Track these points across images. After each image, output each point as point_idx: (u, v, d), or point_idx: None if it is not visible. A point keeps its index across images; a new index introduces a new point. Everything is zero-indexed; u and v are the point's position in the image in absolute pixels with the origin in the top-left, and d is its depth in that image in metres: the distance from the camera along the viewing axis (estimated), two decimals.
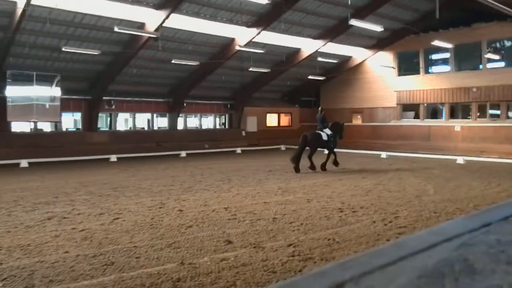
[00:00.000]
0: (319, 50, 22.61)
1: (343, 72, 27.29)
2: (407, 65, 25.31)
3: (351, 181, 11.43)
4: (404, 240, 0.58)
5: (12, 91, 17.91)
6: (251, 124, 26.77)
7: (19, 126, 19.71)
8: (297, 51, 22.98)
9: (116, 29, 14.95)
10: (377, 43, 24.99)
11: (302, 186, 10.59)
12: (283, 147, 24.20)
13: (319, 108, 15.81)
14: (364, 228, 6.35)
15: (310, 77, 25.76)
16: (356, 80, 27.31)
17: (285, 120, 29.17)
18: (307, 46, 22.41)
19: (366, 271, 0.47)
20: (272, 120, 28.44)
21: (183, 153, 20.25)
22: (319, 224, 6.61)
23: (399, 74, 25.54)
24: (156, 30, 16.43)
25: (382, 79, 25.93)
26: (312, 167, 13.63)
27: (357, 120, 27.86)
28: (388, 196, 9.04)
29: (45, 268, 4.64)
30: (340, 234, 6.03)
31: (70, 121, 22.35)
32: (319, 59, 23.56)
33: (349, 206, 7.97)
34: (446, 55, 23.50)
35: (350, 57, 26.32)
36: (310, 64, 24.36)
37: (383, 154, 19.16)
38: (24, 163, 15.96)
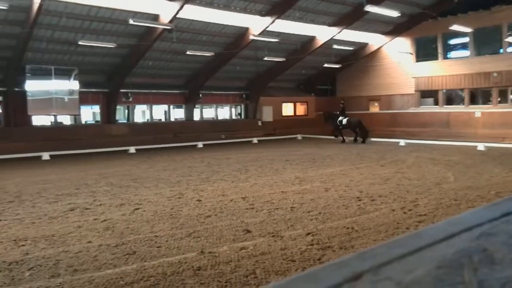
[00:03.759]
0: (334, 38, 22.34)
1: (359, 59, 26.93)
2: (425, 51, 24.81)
3: (369, 169, 11.35)
4: (423, 230, 0.58)
5: (32, 86, 18.27)
6: (267, 114, 26.74)
7: (39, 120, 20.14)
8: (312, 39, 22.74)
9: (131, 21, 15.05)
10: (394, 29, 24.53)
11: (320, 175, 10.56)
12: (299, 136, 24.12)
13: (342, 101, 20.88)
14: (383, 217, 6.32)
15: (325, 65, 25.52)
16: (372, 67, 26.93)
17: (301, 109, 29.02)
18: (322, 33, 22.15)
19: (385, 262, 0.48)
20: (288, 109, 28.32)
21: (200, 144, 20.39)
22: (337, 213, 6.60)
23: (417, 60, 25.07)
24: (170, 21, 16.48)
25: (400, 65, 25.50)
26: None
27: (374, 108, 27.54)
28: (407, 184, 8.96)
29: (70, 258, 4.77)
30: (359, 222, 6.01)
31: (89, 114, 22.73)
32: (335, 46, 23.29)
33: (368, 195, 7.93)
34: (465, 39, 22.93)
35: (366, 43, 25.92)
36: (325, 52, 24.10)
37: (402, 142, 18.92)
38: (45, 155, 16.31)
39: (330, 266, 0.47)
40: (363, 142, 19.64)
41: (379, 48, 26.21)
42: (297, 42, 22.48)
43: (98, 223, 6.30)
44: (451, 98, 24.50)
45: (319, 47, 22.90)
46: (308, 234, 5.49)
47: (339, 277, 0.44)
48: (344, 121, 20.04)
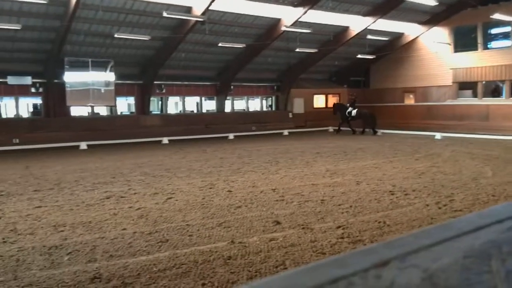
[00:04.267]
0: (368, 28, 21.83)
1: (394, 50, 26.23)
2: (464, 41, 23.83)
3: (402, 163, 11.11)
4: (452, 222, 0.58)
5: (70, 77, 18.92)
6: (298, 106, 26.57)
7: (77, 111, 20.87)
8: (345, 29, 22.34)
9: (164, 14, 15.27)
10: (431, 18, 23.69)
11: (351, 168, 10.44)
12: (330, 129, 23.88)
13: (353, 94, 22.36)
14: (417, 211, 6.20)
15: (359, 56, 25.02)
16: (408, 58, 26.18)
17: (333, 101, 28.65)
18: (356, 24, 21.70)
19: (412, 250, 0.49)
20: (319, 101, 28.02)
21: (231, 135, 20.55)
22: (369, 207, 6.52)
23: (455, 51, 24.14)
24: (203, 13, 16.59)
25: (437, 56, 24.65)
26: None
27: (410, 100, 26.83)
28: (443, 179, 8.72)
29: (105, 244, 4.96)
30: (391, 217, 5.92)
31: (124, 105, 23.33)
32: (369, 37, 22.77)
33: (401, 189, 7.78)
34: (507, 29, 21.85)
35: (402, 34, 25.20)
36: (359, 42, 23.62)
37: (438, 135, 18.39)
38: (83, 145, 16.90)
39: (359, 252, 0.48)
40: (374, 133, 20.75)
41: (415, 38, 25.42)
42: (329, 32, 22.14)
43: (133, 211, 6.50)
44: (497, 90, 23.44)
45: (353, 37, 22.46)
46: (339, 227, 5.47)
47: (367, 263, 0.45)
48: (354, 112, 21.37)
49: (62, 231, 5.50)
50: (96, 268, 4.21)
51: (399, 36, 25.36)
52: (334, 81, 29.04)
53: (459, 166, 10.41)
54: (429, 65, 25.21)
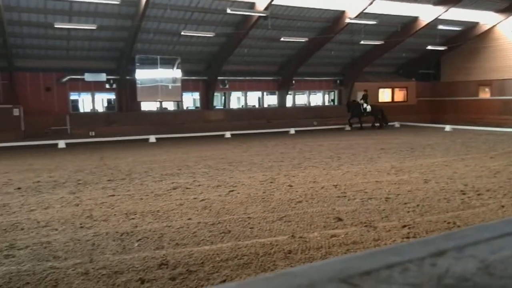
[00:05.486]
0: (439, 17, 20.65)
1: (468, 41, 24.57)
2: None
3: (476, 161, 10.42)
4: None
5: (140, 74, 19.99)
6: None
7: (147, 106, 22.03)
8: (414, 19, 21.31)
9: (228, 10, 15.58)
10: (510, 6, 21.86)
11: (419, 165, 9.99)
12: (397, 124, 22.95)
13: (365, 90, 22.16)
14: (490, 213, 5.80)
15: (429, 47, 23.77)
16: (483, 49, 24.40)
17: (399, 95, 27.50)
18: (425, 13, 20.61)
19: (471, 242, 0.48)
20: (385, 95, 27.04)
21: (292, 130, 20.51)
22: (437, 206, 6.21)
23: None
24: (266, 8, 16.69)
25: None
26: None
27: (485, 94, 25.03)
28: None
29: (172, 232, 5.20)
30: (462, 218, 5.59)
31: (190, 100, 24.20)
32: (440, 27, 21.55)
33: (473, 188, 7.30)
34: None
35: (477, 23, 23.51)
36: (429, 33, 22.42)
37: None
38: (152, 138, 17.78)
39: (416, 242, 0.49)
40: (384, 127, 21.44)
41: (491, 28, 23.60)
42: (397, 23, 21.25)
43: (197, 202, 6.75)
44: None
45: (422, 28, 21.36)
46: (404, 226, 5.26)
47: (423, 252, 0.45)
48: (368, 108, 21.35)
49: (133, 218, 5.85)
50: (163, 255, 4.44)
51: (473, 25, 23.70)
52: (401, 74, 27.84)
53: None
54: (507, 56, 23.30)
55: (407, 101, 27.04)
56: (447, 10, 20.05)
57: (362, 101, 21.71)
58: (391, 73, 27.78)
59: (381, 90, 26.69)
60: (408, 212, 5.93)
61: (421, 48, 24.52)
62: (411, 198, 6.73)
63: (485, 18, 23.00)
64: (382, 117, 21.66)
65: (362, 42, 21.41)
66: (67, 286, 3.74)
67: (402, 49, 24.34)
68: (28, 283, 3.79)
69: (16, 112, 17.80)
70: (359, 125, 21.56)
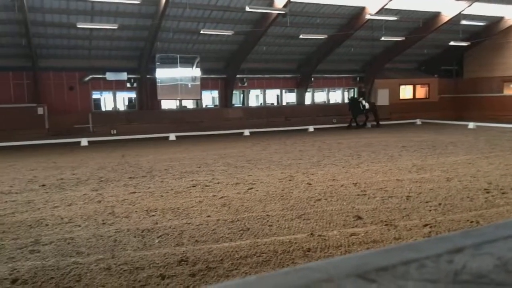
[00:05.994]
0: (463, 12, 20.18)
1: (492, 36, 23.94)
2: None
3: (500, 159, 10.16)
4: None
5: (161, 73, 20.22)
6: (383, 97, 25.47)
7: (167, 104, 22.28)
8: (436, 15, 20.88)
9: (247, 8, 15.59)
10: None
11: (441, 163, 9.81)
12: (418, 121, 22.57)
13: (362, 86, 23.02)
14: None
15: (451, 43, 23.26)
16: (508, 44, 23.75)
17: (421, 92, 27.02)
18: (448, 8, 20.17)
19: (489, 240, 0.48)
20: (406, 92, 26.61)
21: (311, 128, 20.41)
22: (460, 205, 6.09)
23: None
24: (285, 6, 16.63)
25: None
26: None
27: (509, 90, 24.37)
28: None
29: (192, 229, 5.26)
30: (486, 217, 5.47)
31: (209, 98, 24.36)
32: (463, 22, 21.06)
33: (498, 187, 7.13)
34: None
35: (502, 17, 22.88)
36: (451, 28, 21.95)
37: None
38: (172, 136, 17.98)
39: (434, 239, 0.49)
40: (377, 125, 21.03)
41: None
42: (418, 19, 20.88)
43: (216, 199, 6.79)
44: None
45: (445, 23, 20.92)
46: (426, 225, 5.18)
47: (440, 249, 0.46)
48: (367, 105, 20.91)
49: (153, 215, 5.94)
50: (183, 251, 4.49)
51: (497, 20, 23.08)
52: (424, 71, 27.35)
53: None
54: None
55: (429, 98, 26.56)
56: (470, 5, 19.58)
57: (361, 99, 21.27)
58: (413, 70, 27.32)
59: (402, 87, 26.28)
60: (430, 210, 5.84)
61: (443, 44, 24.03)
62: (433, 196, 6.62)
63: (510, 13, 22.36)
64: (376, 114, 21.27)
65: (382, 39, 21.13)
66: (90, 281, 3.82)
67: (424, 45, 23.90)
68: (52, 278, 3.89)
69: (40, 111, 18.27)
70: (354, 124, 20.93)
